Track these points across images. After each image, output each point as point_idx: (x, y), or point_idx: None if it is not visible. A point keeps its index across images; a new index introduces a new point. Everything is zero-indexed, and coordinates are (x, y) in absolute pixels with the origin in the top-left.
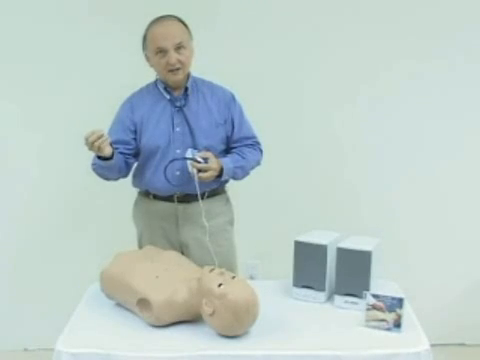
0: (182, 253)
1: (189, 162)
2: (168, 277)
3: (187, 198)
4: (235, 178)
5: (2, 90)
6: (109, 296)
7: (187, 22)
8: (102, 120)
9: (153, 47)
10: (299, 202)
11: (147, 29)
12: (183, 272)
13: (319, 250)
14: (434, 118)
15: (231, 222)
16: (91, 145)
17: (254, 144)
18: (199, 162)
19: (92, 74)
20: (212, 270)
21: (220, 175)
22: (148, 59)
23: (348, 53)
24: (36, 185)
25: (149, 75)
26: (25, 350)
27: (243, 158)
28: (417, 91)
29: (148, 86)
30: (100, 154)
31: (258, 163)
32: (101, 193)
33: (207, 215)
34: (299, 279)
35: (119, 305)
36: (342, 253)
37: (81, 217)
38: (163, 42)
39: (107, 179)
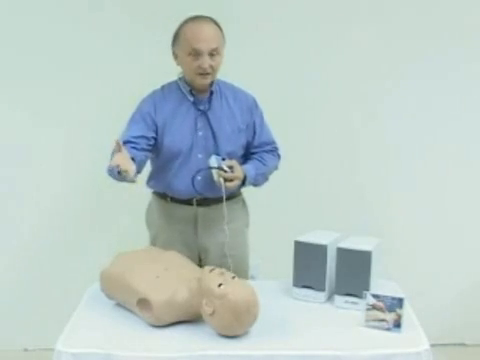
0: (200, 258)
1: (215, 171)
2: (168, 277)
3: (206, 201)
4: (255, 185)
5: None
6: (109, 296)
7: None
8: (116, 121)
9: (187, 47)
10: (299, 202)
11: (181, 27)
12: (183, 272)
13: (319, 250)
14: (435, 119)
15: (247, 224)
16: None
17: (274, 150)
18: (225, 171)
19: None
20: (212, 270)
21: (243, 182)
22: (176, 57)
23: (356, 56)
24: (35, 184)
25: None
26: (25, 350)
27: (264, 165)
28: (418, 93)
29: (170, 85)
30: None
31: (276, 168)
32: (101, 193)
33: (227, 219)
34: (299, 279)
35: (119, 305)
36: (342, 253)
37: (81, 217)
38: (199, 44)
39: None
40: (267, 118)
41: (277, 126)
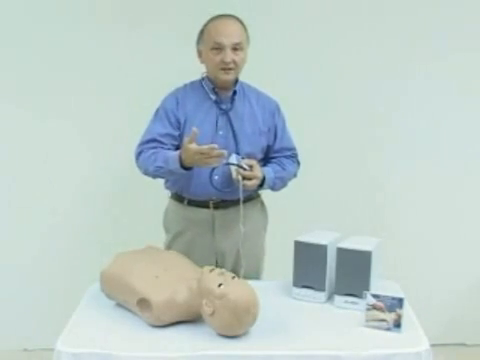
0: (216, 261)
1: (234, 168)
2: (168, 277)
3: (223, 204)
4: (273, 189)
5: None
6: (109, 296)
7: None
8: (136, 122)
9: (210, 42)
10: (299, 202)
11: (206, 23)
12: (183, 272)
13: (319, 250)
14: (435, 119)
15: (265, 227)
16: (209, 158)
17: (293, 156)
18: (245, 169)
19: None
20: (212, 270)
21: (261, 184)
22: (200, 54)
23: (353, 54)
24: (37, 185)
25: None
26: (25, 350)
27: (283, 169)
28: (418, 93)
29: (193, 83)
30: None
31: (295, 175)
32: (101, 193)
33: (244, 221)
34: (299, 279)
35: (119, 305)
36: (342, 253)
37: (81, 217)
38: (221, 38)
39: (155, 178)
40: None
41: None
